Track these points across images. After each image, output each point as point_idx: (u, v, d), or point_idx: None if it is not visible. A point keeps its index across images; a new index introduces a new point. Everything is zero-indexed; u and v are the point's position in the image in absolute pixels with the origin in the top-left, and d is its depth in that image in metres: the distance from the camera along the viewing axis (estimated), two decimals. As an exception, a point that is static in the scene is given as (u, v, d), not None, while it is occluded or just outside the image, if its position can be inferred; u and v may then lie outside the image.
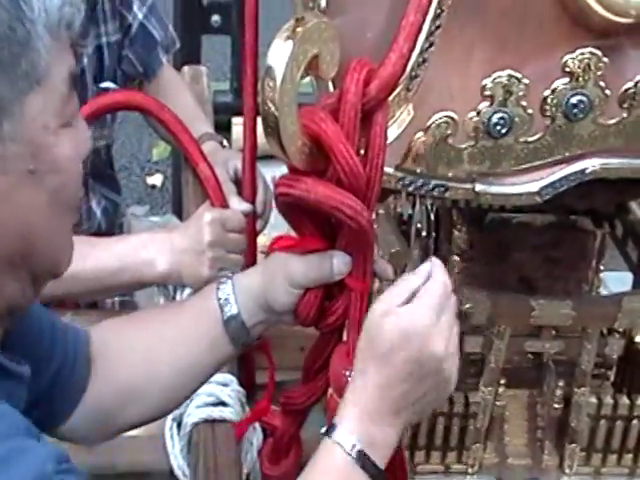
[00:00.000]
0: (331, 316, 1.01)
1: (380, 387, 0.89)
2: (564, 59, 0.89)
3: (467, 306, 1.12)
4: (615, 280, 1.27)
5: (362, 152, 0.93)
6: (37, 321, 0.98)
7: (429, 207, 1.18)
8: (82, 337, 1.04)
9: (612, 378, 1.26)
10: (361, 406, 0.89)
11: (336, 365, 1.02)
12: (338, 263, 0.97)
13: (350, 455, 0.87)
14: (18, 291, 0.85)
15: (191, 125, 1.57)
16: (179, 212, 1.98)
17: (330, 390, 1.07)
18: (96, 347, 1.05)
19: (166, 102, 1.59)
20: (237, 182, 1.54)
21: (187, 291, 1.44)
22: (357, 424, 0.89)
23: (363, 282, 0.98)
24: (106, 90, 1.63)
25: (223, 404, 1.27)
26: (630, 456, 1.24)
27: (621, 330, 1.20)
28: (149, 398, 1.06)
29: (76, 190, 0.86)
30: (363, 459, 0.88)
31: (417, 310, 0.89)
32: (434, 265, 0.92)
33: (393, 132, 0.95)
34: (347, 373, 0.96)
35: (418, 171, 0.96)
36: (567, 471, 1.24)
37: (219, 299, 1.03)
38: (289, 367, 1.27)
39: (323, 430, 0.90)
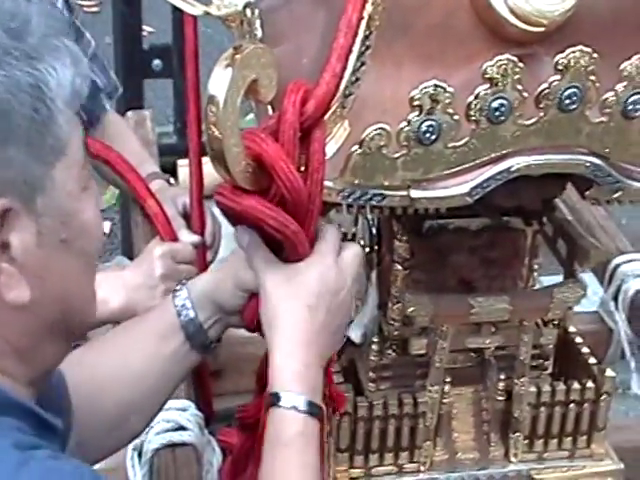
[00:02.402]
0: None
1: (304, 326, 0.96)
2: (484, 67, 0.96)
3: (411, 310, 1.18)
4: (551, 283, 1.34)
5: (303, 169, 0.99)
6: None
7: (370, 221, 1.24)
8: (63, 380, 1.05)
9: (550, 369, 1.33)
10: (296, 357, 0.96)
11: None
12: None
13: (303, 411, 0.94)
14: (56, 351, 0.89)
15: (138, 166, 1.61)
16: (129, 256, 2.00)
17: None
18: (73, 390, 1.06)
19: (112, 146, 1.62)
20: (186, 217, 1.59)
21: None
22: (300, 381, 0.96)
23: None
24: None
25: (182, 428, 1.30)
26: (569, 439, 1.31)
27: (555, 322, 1.27)
28: (127, 423, 1.10)
29: (100, 245, 0.91)
30: (313, 408, 0.95)
31: (322, 254, 0.99)
32: (327, 224, 1.03)
33: (331, 148, 1.02)
34: None
35: (356, 182, 1.02)
36: (512, 459, 1.31)
37: (176, 306, 1.08)
38: (246, 390, 1.31)
39: (268, 401, 0.96)
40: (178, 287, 1.10)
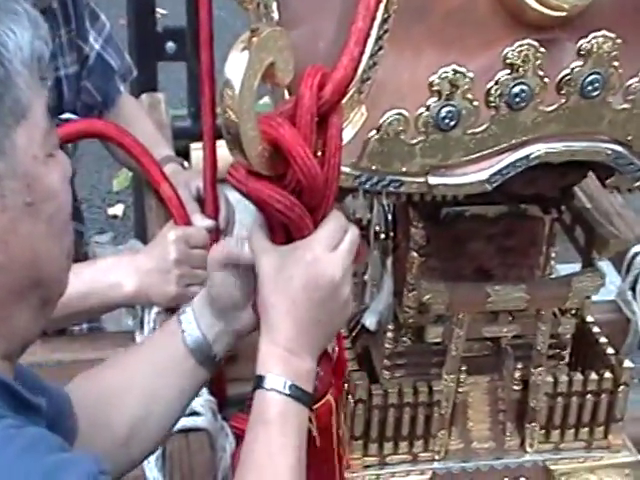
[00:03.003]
0: None
1: (290, 315, 0.96)
2: (504, 52, 0.95)
3: (426, 297, 1.17)
4: (568, 272, 1.32)
5: (319, 154, 0.97)
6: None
7: (386, 208, 1.23)
8: (64, 395, 1.04)
9: (567, 358, 1.32)
10: (279, 344, 0.96)
11: None
12: None
13: (285, 394, 0.94)
14: (31, 321, 0.88)
15: (152, 149, 1.60)
16: (143, 239, 2.00)
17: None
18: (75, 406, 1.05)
19: (126, 129, 1.61)
20: (200, 201, 1.58)
21: (155, 310, 1.46)
22: (282, 364, 0.95)
23: None
24: (67, 121, 1.66)
25: (196, 414, 1.30)
26: (586, 430, 1.30)
27: (573, 311, 1.26)
28: (135, 442, 1.08)
29: (69, 212, 0.90)
30: (296, 392, 0.95)
31: (312, 243, 0.97)
32: (333, 210, 1.00)
33: (348, 133, 1.00)
34: (318, 372, 1.01)
35: (373, 168, 1.01)
36: (528, 449, 1.30)
37: (181, 325, 1.07)
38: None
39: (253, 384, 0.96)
40: (182, 309, 1.09)
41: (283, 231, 0.99)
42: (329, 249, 0.97)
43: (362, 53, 0.97)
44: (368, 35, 0.97)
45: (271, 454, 0.93)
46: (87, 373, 1.09)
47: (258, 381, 0.96)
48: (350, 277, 0.99)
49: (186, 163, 1.76)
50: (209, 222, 1.50)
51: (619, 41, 0.96)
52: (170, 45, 2.66)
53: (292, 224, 0.97)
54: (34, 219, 0.84)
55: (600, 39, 0.95)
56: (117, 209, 3.27)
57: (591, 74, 0.97)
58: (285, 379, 0.95)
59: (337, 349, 1.08)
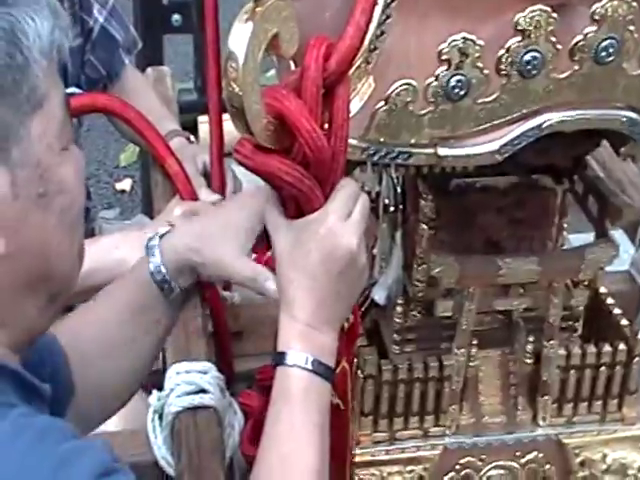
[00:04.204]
0: None
1: (310, 290, 0.95)
2: (515, 18, 0.92)
3: (436, 271, 1.15)
4: (581, 242, 1.30)
5: (326, 126, 0.95)
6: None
7: (395, 180, 1.21)
8: (57, 348, 1.04)
9: (580, 330, 1.30)
10: (300, 319, 0.95)
11: None
12: None
13: (308, 369, 0.94)
14: (38, 315, 0.87)
15: (157, 124, 1.58)
16: (150, 214, 1.98)
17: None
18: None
19: (131, 103, 1.59)
20: (206, 176, 1.56)
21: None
22: (304, 340, 0.95)
23: None
24: (71, 95, 1.63)
25: (203, 391, 1.28)
26: (599, 403, 1.28)
27: (586, 282, 1.24)
28: (111, 391, 1.11)
29: (82, 208, 0.88)
30: (319, 367, 0.94)
31: (325, 215, 0.95)
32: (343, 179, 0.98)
33: (355, 105, 0.98)
34: None
35: (381, 140, 0.99)
36: (541, 423, 1.28)
37: (150, 271, 1.08)
38: (267, 352, 1.29)
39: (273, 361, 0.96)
40: (152, 242, 1.09)
41: (294, 204, 0.97)
42: (343, 219, 0.96)
43: (369, 22, 0.94)
44: (375, 3, 0.94)
45: (294, 431, 0.93)
46: (70, 328, 1.09)
47: (279, 358, 0.95)
48: (364, 244, 0.98)
49: (192, 137, 1.73)
50: (216, 196, 1.48)
51: (635, 4, 0.93)
52: (176, 17, 2.63)
53: (302, 196, 0.95)
54: (46, 211, 0.83)
55: (615, 3, 0.92)
56: (125, 184, 3.25)
57: (605, 39, 0.94)
58: (307, 355, 0.94)
59: (351, 316, 1.07)
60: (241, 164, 0.94)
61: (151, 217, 1.82)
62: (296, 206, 0.97)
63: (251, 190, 1.09)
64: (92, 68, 1.72)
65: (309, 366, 0.94)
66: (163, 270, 1.07)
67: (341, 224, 0.95)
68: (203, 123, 1.95)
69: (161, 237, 1.10)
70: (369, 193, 1.31)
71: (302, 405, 0.93)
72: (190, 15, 2.59)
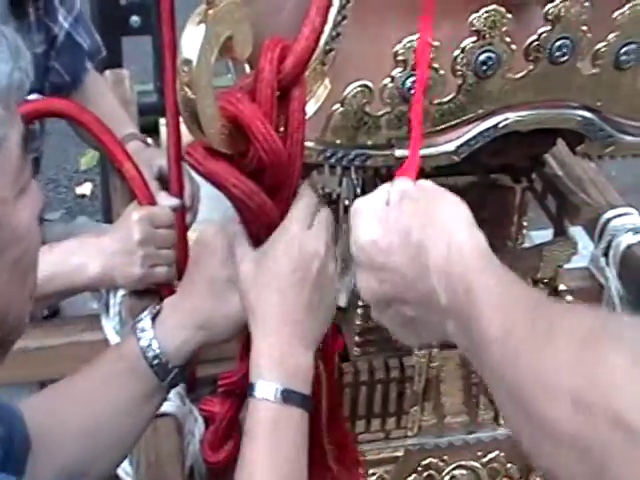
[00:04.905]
0: None
1: (279, 305, 0.91)
2: (470, 18, 0.91)
3: (397, 272, 1.14)
4: (541, 238, 1.30)
5: (282, 130, 0.94)
6: None
7: (355, 181, 1.20)
8: (17, 418, 0.98)
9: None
10: (270, 341, 0.90)
11: None
12: None
13: (276, 402, 0.89)
14: None
15: (115, 127, 1.56)
16: (109, 219, 1.96)
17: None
18: (32, 431, 0.98)
19: (91, 107, 1.57)
20: (161, 180, 1.54)
21: (120, 293, 1.43)
22: (274, 367, 0.90)
23: None
24: (27, 101, 1.61)
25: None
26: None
27: (545, 280, 1.24)
28: (94, 469, 1.04)
29: (37, 249, 0.83)
30: (288, 396, 0.89)
31: (286, 225, 0.93)
32: (301, 187, 0.96)
33: (311, 107, 0.97)
34: None
35: (338, 142, 0.98)
36: (502, 422, 1.28)
37: (141, 347, 1.02)
38: (230, 357, 1.27)
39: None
40: (141, 322, 1.04)
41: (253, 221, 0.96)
42: (305, 227, 0.93)
43: (324, 23, 0.93)
44: (330, 4, 0.93)
45: (260, 470, 0.88)
46: (38, 400, 1.04)
47: (249, 389, 0.91)
48: (333, 253, 0.95)
49: (150, 140, 1.71)
50: (174, 201, 1.46)
51: (587, 4, 0.93)
52: (135, 19, 2.60)
53: (251, 212, 0.94)
54: None
55: (568, 3, 0.92)
56: (85, 188, 3.22)
57: (559, 39, 0.94)
58: (276, 385, 0.89)
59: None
60: (192, 168, 0.93)
61: (110, 222, 1.80)
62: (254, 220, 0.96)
63: (209, 232, 1.04)
64: (57, 75, 1.69)
65: (278, 397, 0.89)
66: (160, 355, 1.02)
67: (304, 232, 0.93)
68: (164, 125, 1.93)
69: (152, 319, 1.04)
70: (330, 194, 1.31)
71: (269, 440, 0.89)
72: (149, 16, 2.56)
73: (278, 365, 0.90)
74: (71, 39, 1.70)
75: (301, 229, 0.93)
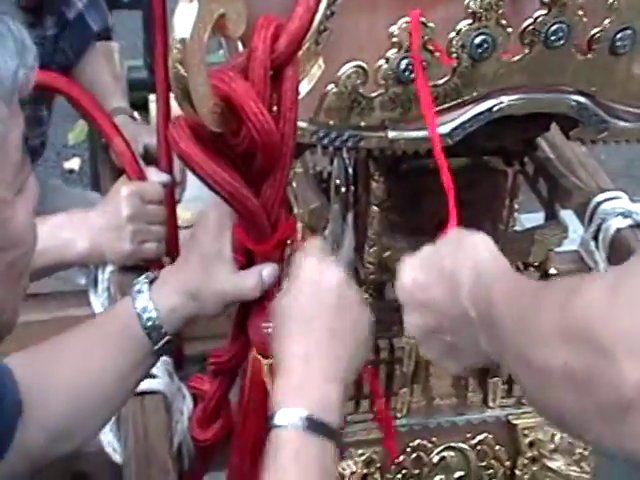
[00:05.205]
0: None
1: (302, 334, 0.90)
2: (466, 1, 0.91)
3: (387, 254, 1.14)
4: (532, 221, 1.30)
5: (275, 109, 0.93)
6: None
7: (346, 161, 1.19)
8: (10, 380, 0.97)
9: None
10: (294, 372, 0.88)
11: (255, 319, 1.04)
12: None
13: (298, 428, 0.84)
14: None
15: (105, 100, 1.55)
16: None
17: (253, 352, 1.08)
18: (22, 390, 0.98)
19: (87, 79, 1.56)
20: (145, 157, 1.53)
21: (109, 269, 1.42)
22: (296, 395, 0.86)
23: (263, 244, 1.00)
24: None
25: (151, 376, 1.26)
26: (549, 384, 1.29)
27: (536, 264, 1.24)
28: (81, 431, 1.04)
29: (33, 250, 0.83)
30: (313, 424, 0.84)
31: (300, 261, 0.95)
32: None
33: (304, 87, 0.96)
34: (266, 326, 0.98)
35: (331, 123, 0.97)
36: (491, 404, 1.28)
37: (136, 309, 1.03)
38: (217, 335, 1.27)
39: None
40: (138, 285, 1.05)
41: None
42: (321, 261, 0.96)
43: (318, 2, 0.92)
44: (325, -17, 0.92)
45: None
46: (30, 356, 1.03)
47: (270, 418, 0.85)
48: (354, 283, 0.96)
49: (137, 115, 1.70)
50: (165, 176, 1.46)
51: (583, -12, 0.92)
52: (124, -7, 2.59)
53: (227, 201, 0.93)
54: None
55: (564, -14, 0.92)
56: (73, 163, 3.20)
57: (555, 23, 0.94)
58: (299, 410, 0.84)
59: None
60: (177, 154, 0.92)
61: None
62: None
63: (207, 209, 1.05)
64: (62, 55, 1.69)
65: (300, 424, 0.83)
66: (155, 318, 1.03)
67: (320, 263, 0.95)
68: (154, 101, 1.92)
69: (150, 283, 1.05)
70: (321, 173, 1.30)
71: (292, 473, 0.82)
72: (139, -9, 2.56)
73: (301, 392, 0.86)
74: (82, 20, 1.70)
75: (318, 261, 0.95)
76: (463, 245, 0.90)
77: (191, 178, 1.56)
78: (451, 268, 0.88)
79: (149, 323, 1.03)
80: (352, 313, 0.93)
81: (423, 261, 0.92)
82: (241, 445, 1.11)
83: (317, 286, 0.92)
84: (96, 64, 1.76)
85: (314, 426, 0.84)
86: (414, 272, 0.92)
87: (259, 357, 1.04)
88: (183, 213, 1.57)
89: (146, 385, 1.25)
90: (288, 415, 0.84)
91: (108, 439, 1.24)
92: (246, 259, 1.03)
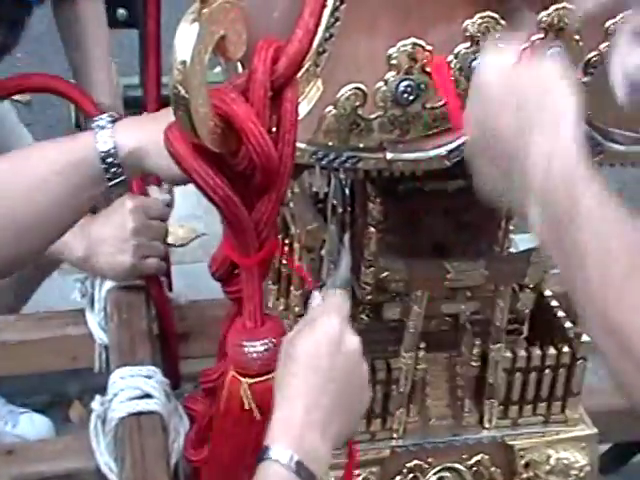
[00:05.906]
0: (234, 286, 1.03)
1: (305, 396, 0.88)
2: (464, 24, 0.92)
3: (384, 275, 1.15)
4: (526, 242, 1.31)
5: (274, 130, 0.94)
6: None
7: (343, 182, 1.20)
8: None
9: (525, 332, 1.31)
10: (295, 421, 0.87)
11: (233, 337, 1.03)
12: None
13: (289, 468, 0.85)
14: None
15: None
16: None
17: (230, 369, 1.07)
18: None
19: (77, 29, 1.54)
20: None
21: (106, 287, 1.42)
22: (292, 438, 0.86)
23: (248, 258, 0.99)
24: (28, 4, 1.56)
25: (148, 396, 1.27)
26: (544, 405, 1.29)
27: (531, 285, 1.24)
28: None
29: None
30: (301, 469, 0.85)
31: (324, 320, 0.92)
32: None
33: (304, 108, 0.97)
34: (244, 344, 0.98)
35: (330, 144, 0.98)
36: (487, 425, 1.29)
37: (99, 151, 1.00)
38: (213, 355, 1.27)
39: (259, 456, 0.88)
40: (100, 121, 1.02)
41: None
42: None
43: (318, 25, 0.93)
44: (324, 5, 0.93)
45: None
46: None
47: (262, 452, 0.86)
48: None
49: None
50: (166, 196, 1.46)
51: (580, 14, 0.94)
52: (121, 12, 2.59)
53: (218, 207, 0.93)
54: None
55: (561, 11, 0.93)
56: None
57: (552, 47, 0.95)
58: (292, 453, 0.85)
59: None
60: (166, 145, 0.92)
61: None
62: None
63: None
64: None
65: (292, 465, 0.84)
66: (114, 150, 1.00)
67: (342, 323, 0.93)
68: (149, 120, 1.93)
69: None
70: (317, 194, 1.31)
71: None
72: (135, 9, 2.56)
73: (296, 437, 0.86)
74: None
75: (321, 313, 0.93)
76: (549, 98, 0.80)
77: (184, 197, 1.57)
78: (530, 115, 0.79)
79: (108, 159, 1.00)
80: (361, 385, 0.93)
81: (508, 72, 0.82)
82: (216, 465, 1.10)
83: (337, 347, 0.91)
84: (90, 27, 1.72)
85: (303, 472, 0.85)
86: (496, 75, 0.83)
87: (237, 375, 1.03)
88: (176, 230, 1.58)
89: (143, 406, 1.25)
90: (282, 454, 0.85)
91: (105, 460, 1.24)
92: (227, 273, 1.04)
